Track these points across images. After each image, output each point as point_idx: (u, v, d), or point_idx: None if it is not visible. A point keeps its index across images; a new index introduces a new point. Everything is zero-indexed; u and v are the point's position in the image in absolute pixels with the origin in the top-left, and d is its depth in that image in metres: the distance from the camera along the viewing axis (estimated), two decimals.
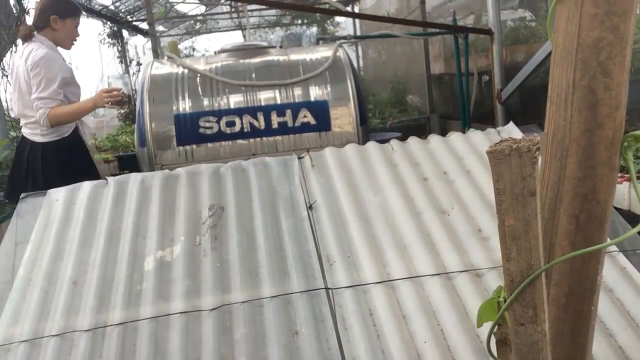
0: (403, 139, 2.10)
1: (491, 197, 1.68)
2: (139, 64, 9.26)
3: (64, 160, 2.73)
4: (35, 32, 2.70)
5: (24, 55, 2.63)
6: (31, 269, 1.62)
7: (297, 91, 3.50)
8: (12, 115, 2.88)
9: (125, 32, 8.68)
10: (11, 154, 3.42)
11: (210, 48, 13.27)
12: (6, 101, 3.80)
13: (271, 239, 1.66)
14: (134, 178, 1.90)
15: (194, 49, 13.05)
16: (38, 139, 2.70)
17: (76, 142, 2.83)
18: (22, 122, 2.78)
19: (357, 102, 3.49)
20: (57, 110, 2.62)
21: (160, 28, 10.15)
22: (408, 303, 1.44)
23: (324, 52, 3.73)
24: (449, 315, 1.39)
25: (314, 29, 12.70)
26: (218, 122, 3.43)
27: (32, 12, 2.76)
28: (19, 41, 2.76)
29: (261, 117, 3.44)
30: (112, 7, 7.73)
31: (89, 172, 2.80)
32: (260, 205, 1.78)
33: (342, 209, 1.75)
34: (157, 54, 5.81)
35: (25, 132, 2.75)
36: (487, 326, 0.83)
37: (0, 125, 3.71)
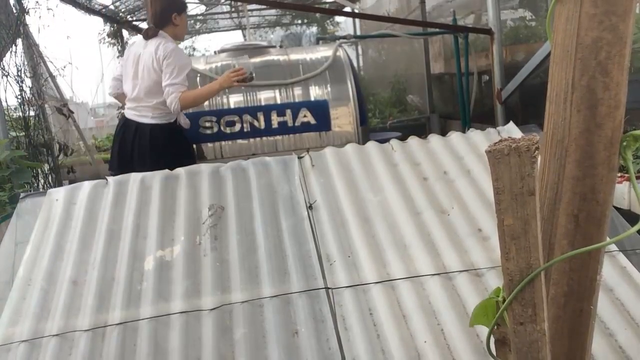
0: (403, 138, 2.10)
1: (491, 196, 1.68)
2: None
3: (170, 141, 3.02)
4: (159, 31, 3.00)
5: (151, 47, 2.94)
6: (31, 268, 1.62)
7: (297, 91, 3.50)
8: (111, 92, 3.21)
9: (125, 32, 8.68)
10: (11, 154, 3.43)
11: (210, 48, 13.27)
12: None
13: (271, 238, 1.66)
14: (134, 178, 1.91)
15: (194, 49, 13.04)
16: (147, 120, 2.98)
17: (178, 128, 3.10)
18: (131, 104, 3.04)
19: (357, 101, 3.49)
20: (187, 94, 2.89)
21: None
22: (408, 303, 1.44)
23: (323, 52, 3.74)
24: (449, 315, 1.39)
25: (314, 29, 12.69)
26: (218, 121, 3.43)
27: (148, 11, 3.08)
28: (139, 37, 3.07)
29: (261, 117, 3.44)
30: (112, 7, 7.72)
31: (189, 155, 3.12)
32: (260, 205, 1.78)
33: (342, 209, 1.75)
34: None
35: (131, 113, 3.03)
36: (486, 326, 0.83)
37: (0, 125, 3.71)
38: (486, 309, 0.82)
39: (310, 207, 1.78)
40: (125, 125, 3.05)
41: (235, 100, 3.48)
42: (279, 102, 3.48)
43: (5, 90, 4.15)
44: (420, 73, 6.47)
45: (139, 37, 3.09)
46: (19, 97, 4.37)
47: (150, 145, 2.96)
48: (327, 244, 1.64)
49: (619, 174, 2.07)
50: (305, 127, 3.45)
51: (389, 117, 6.47)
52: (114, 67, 3.23)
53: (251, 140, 3.45)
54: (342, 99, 3.49)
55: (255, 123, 3.43)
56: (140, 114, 3.00)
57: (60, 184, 4.45)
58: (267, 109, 3.45)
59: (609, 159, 0.74)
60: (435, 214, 1.70)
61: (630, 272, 1.49)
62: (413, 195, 1.78)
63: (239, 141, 3.45)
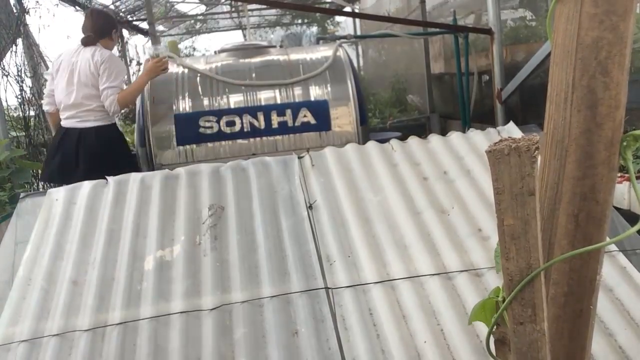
0: (403, 138, 2.10)
1: (491, 196, 1.67)
2: (139, 63, 9.25)
3: (117, 140, 3.24)
4: (97, 40, 3.22)
5: (86, 54, 3.11)
6: (31, 268, 1.62)
7: (297, 91, 3.50)
8: (48, 108, 3.27)
9: (125, 32, 8.68)
10: (11, 153, 3.43)
11: (210, 48, 13.25)
12: (12, 97, 4.38)
13: (271, 238, 1.66)
14: (134, 177, 1.91)
15: (194, 49, 13.04)
16: (90, 124, 3.10)
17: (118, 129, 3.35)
18: (69, 112, 3.11)
19: (357, 101, 3.49)
20: (122, 94, 3.09)
21: (160, 28, 10.14)
22: (408, 303, 1.44)
23: (324, 52, 3.73)
24: (449, 315, 1.39)
25: (314, 29, 12.68)
26: (218, 121, 3.43)
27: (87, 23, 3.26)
28: (78, 44, 3.21)
29: (261, 117, 3.44)
30: (112, 7, 7.73)
31: (132, 155, 3.30)
32: (260, 205, 1.78)
33: (342, 209, 1.75)
34: (157, 53, 5.81)
35: (72, 122, 3.12)
36: (486, 326, 0.83)
37: (0, 125, 3.71)
38: (485, 308, 0.82)
39: (310, 207, 1.78)
40: (66, 135, 3.13)
41: (235, 100, 3.48)
42: (279, 102, 3.47)
43: (5, 90, 4.15)
44: (420, 73, 6.46)
45: (69, 48, 3.28)
46: (19, 97, 4.37)
47: (98, 146, 3.08)
48: (327, 244, 1.64)
49: (619, 174, 2.07)
50: (305, 127, 3.45)
51: (389, 117, 6.47)
52: (48, 83, 3.33)
53: (251, 140, 3.45)
54: (342, 98, 3.49)
55: (255, 123, 3.43)
56: (82, 119, 3.11)
57: None
58: (267, 109, 3.44)
59: (609, 159, 0.74)
60: (435, 214, 1.70)
61: (630, 272, 1.49)
62: (413, 195, 1.78)
63: (239, 141, 3.45)
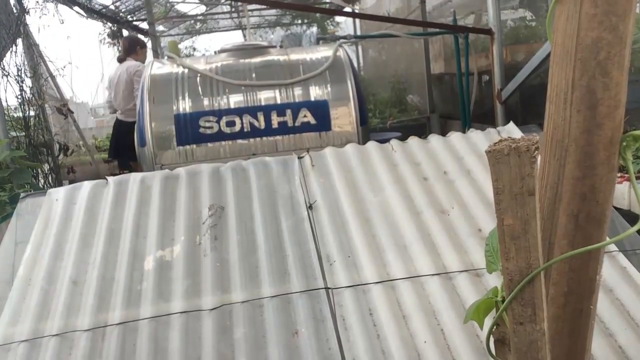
0: (403, 138, 2.10)
1: (491, 196, 1.67)
2: None
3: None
4: (126, 57, 4.71)
5: (122, 68, 4.54)
6: (31, 268, 1.62)
7: (297, 91, 3.50)
8: (110, 111, 4.87)
9: (125, 32, 8.68)
10: (11, 154, 3.43)
11: (210, 48, 13.24)
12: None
13: (271, 238, 1.66)
14: (134, 178, 1.91)
15: (194, 49, 13.03)
16: (130, 119, 4.34)
17: None
18: (118, 111, 4.61)
19: (357, 101, 3.49)
20: None
21: (160, 28, 10.13)
22: (408, 303, 1.44)
23: (324, 52, 3.73)
24: (449, 315, 1.39)
25: (314, 29, 12.68)
26: (218, 122, 3.43)
27: (122, 44, 4.92)
28: (115, 61, 4.83)
29: (261, 117, 3.44)
30: (112, 7, 7.73)
31: None
32: (260, 205, 1.78)
33: (342, 209, 1.75)
34: (157, 53, 5.81)
35: (121, 116, 4.61)
36: (486, 326, 0.83)
37: (0, 125, 3.72)
38: (479, 309, 0.82)
39: (310, 207, 1.78)
40: (116, 125, 4.65)
41: (235, 100, 3.48)
42: (279, 102, 3.47)
43: (5, 90, 4.16)
44: (420, 73, 6.46)
45: (116, 67, 4.72)
46: (19, 97, 4.37)
47: (132, 136, 3.99)
48: (327, 244, 1.64)
49: (619, 174, 2.07)
50: (305, 127, 3.45)
51: (389, 117, 6.47)
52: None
53: (251, 140, 3.45)
54: (342, 99, 3.49)
55: (255, 123, 3.43)
56: (125, 115, 4.52)
57: (60, 184, 4.46)
58: (267, 109, 3.44)
59: (608, 159, 0.74)
60: (435, 214, 1.70)
61: (630, 273, 1.49)
62: (413, 195, 1.78)
63: (239, 141, 3.45)
